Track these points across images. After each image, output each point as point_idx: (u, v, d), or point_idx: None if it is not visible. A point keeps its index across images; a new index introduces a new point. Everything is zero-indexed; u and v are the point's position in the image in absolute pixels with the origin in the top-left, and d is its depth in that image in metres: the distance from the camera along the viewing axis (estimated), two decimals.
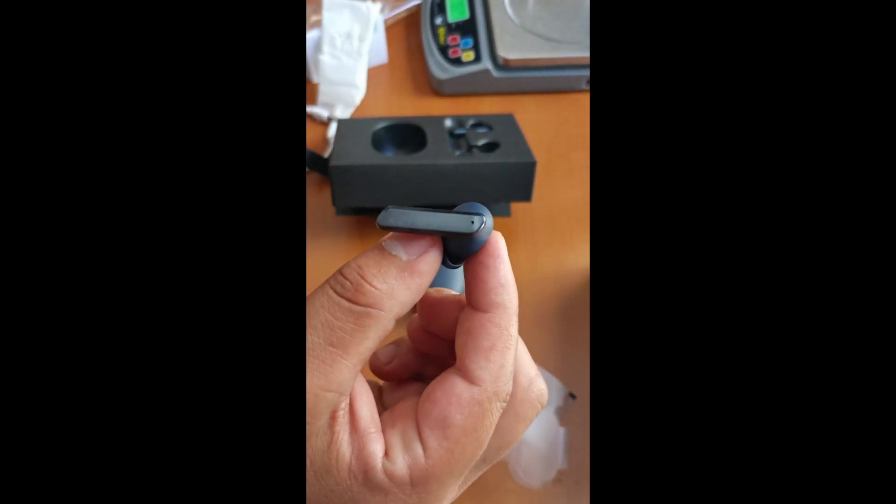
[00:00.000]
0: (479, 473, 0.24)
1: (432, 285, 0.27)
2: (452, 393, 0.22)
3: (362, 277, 0.21)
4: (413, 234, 0.21)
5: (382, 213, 0.21)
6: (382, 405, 0.24)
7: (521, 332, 0.25)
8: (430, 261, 0.22)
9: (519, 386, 0.24)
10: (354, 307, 0.21)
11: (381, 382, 0.27)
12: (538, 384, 0.24)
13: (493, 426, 0.22)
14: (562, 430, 0.42)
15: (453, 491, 0.23)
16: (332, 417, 0.21)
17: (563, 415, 0.44)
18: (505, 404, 0.22)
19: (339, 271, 0.21)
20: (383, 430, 0.22)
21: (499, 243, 0.22)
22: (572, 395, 0.45)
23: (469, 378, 0.22)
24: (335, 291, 0.21)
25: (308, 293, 0.22)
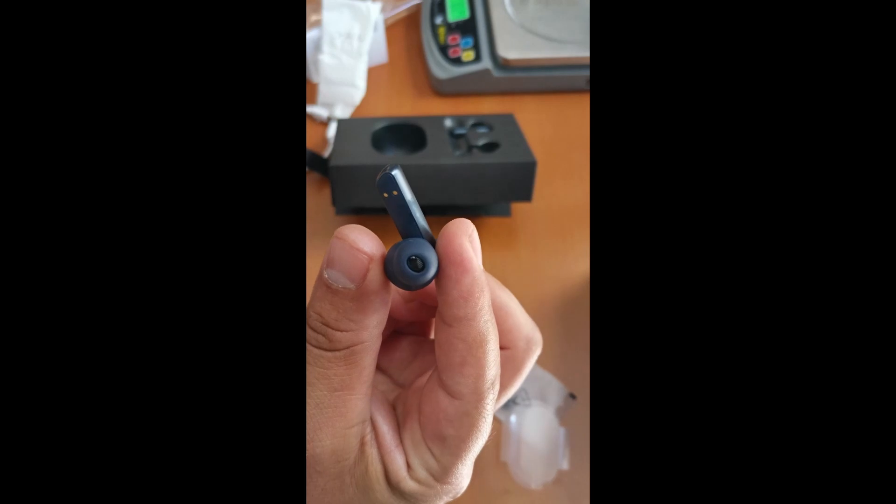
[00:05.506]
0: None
1: None
2: (439, 409, 0.22)
3: (327, 325, 0.21)
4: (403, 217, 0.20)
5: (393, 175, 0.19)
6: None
7: None
8: (377, 278, 0.20)
9: (517, 349, 0.25)
10: (337, 353, 0.21)
11: None
12: (536, 339, 0.25)
13: (489, 419, 0.22)
14: (562, 430, 0.42)
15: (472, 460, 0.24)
16: (362, 443, 0.22)
17: (563, 415, 0.44)
18: (494, 397, 0.22)
19: (308, 323, 0.21)
20: (399, 435, 0.23)
21: (462, 249, 0.19)
22: (572, 395, 0.45)
23: (450, 393, 0.22)
24: (314, 346, 0.21)
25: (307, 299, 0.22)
